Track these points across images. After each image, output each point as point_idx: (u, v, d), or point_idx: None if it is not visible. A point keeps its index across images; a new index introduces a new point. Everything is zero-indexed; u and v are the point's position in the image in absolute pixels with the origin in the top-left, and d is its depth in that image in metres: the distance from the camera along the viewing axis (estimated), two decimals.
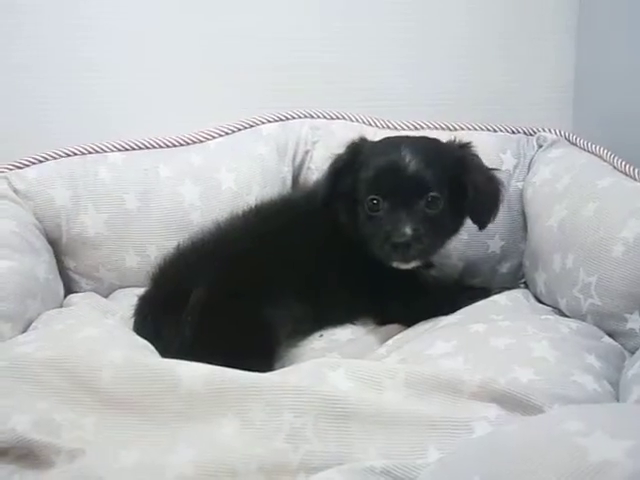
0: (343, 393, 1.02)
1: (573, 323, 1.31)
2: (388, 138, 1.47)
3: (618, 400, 1.13)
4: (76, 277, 1.61)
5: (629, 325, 1.27)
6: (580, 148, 1.59)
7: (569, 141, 1.63)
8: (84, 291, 1.61)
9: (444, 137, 1.52)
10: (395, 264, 1.35)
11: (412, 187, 1.34)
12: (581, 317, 1.35)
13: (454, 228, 1.44)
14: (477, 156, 1.42)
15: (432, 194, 1.33)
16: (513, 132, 1.70)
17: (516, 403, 1.03)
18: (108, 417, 1.03)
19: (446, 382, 1.06)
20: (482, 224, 1.43)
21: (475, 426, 0.99)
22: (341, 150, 1.45)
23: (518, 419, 1.00)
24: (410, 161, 1.33)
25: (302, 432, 0.98)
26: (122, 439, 1.01)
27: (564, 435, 0.75)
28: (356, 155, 1.41)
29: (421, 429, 0.99)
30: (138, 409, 1.04)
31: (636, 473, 0.67)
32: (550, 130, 1.67)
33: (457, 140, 1.44)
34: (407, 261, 1.34)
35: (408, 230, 1.29)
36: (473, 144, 1.43)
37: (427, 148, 1.39)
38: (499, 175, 1.45)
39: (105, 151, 1.63)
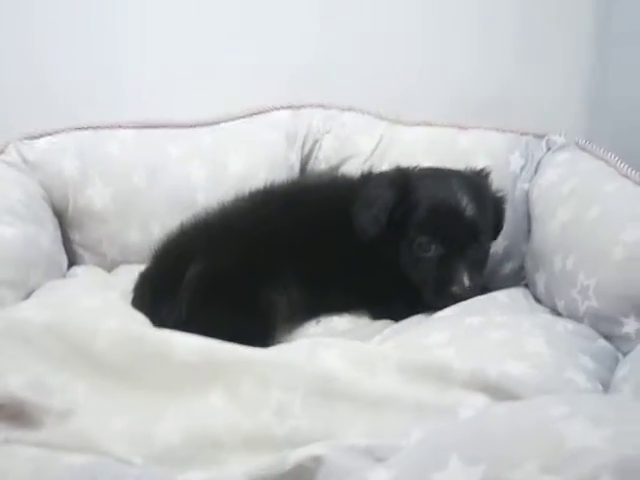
0: (334, 372, 1.02)
1: (569, 324, 1.31)
2: (433, 171, 1.46)
3: None
4: (80, 250, 1.63)
5: (625, 329, 1.26)
6: (589, 153, 1.58)
7: (578, 145, 1.62)
8: (87, 265, 1.62)
9: (455, 135, 1.64)
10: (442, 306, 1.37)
11: (468, 233, 1.36)
12: (578, 319, 1.35)
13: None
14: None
15: (482, 239, 1.38)
16: (522, 134, 1.69)
17: (506, 395, 1.02)
18: (101, 383, 1.04)
19: (437, 369, 1.05)
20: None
21: (461, 412, 0.98)
22: (382, 179, 1.45)
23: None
24: (466, 205, 1.35)
25: (289, 407, 0.98)
26: (113, 405, 1.01)
27: (547, 420, 0.75)
28: (405, 188, 1.39)
29: (407, 412, 0.99)
30: (130, 376, 1.04)
31: (613, 460, 0.67)
32: (559, 133, 1.66)
33: (473, 169, 1.49)
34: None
35: (467, 281, 1.33)
36: (489, 171, 1.49)
37: (474, 187, 1.40)
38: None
39: (116, 127, 1.65)
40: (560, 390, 1.07)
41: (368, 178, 1.49)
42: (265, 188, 1.53)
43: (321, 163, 1.72)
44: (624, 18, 1.78)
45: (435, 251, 1.35)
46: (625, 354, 1.26)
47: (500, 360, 1.12)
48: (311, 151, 1.75)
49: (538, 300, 1.52)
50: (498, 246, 1.61)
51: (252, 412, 0.98)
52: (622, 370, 1.17)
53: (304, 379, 1.00)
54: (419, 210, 1.37)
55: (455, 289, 1.33)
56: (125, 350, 1.05)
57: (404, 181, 1.40)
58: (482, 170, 1.48)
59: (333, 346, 1.09)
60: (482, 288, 1.54)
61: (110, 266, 1.63)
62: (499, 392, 1.03)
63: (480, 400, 1.02)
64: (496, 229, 1.48)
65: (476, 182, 1.44)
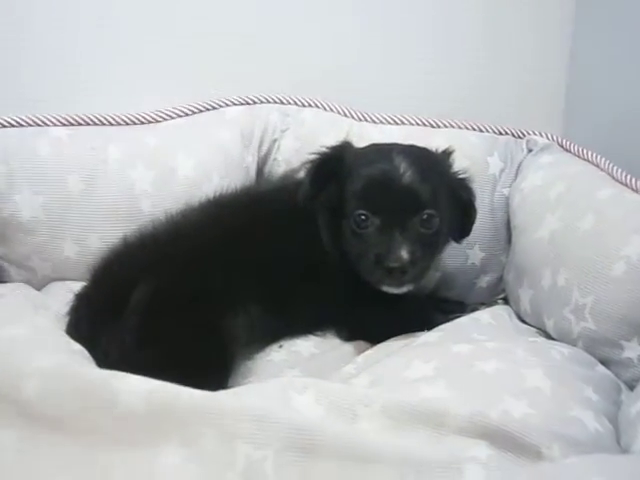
0: (311, 422, 0.87)
1: (564, 348, 1.19)
2: (376, 145, 1.35)
3: (619, 440, 1.01)
4: (6, 265, 1.46)
5: (625, 354, 1.17)
6: (574, 155, 1.48)
7: (562, 146, 1.53)
8: (14, 281, 1.46)
9: (428, 134, 1.51)
10: (386, 288, 1.23)
11: (407, 203, 1.22)
12: (571, 341, 1.25)
13: (444, 246, 1.34)
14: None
15: (428, 211, 1.23)
16: (500, 133, 1.59)
17: (509, 441, 0.91)
18: (33, 435, 0.87)
19: (430, 414, 0.92)
20: (461, 239, 1.39)
21: (466, 470, 0.84)
22: (322, 151, 1.32)
23: (524, 470, 0.86)
24: (404, 172, 1.22)
25: (261, 467, 0.82)
26: (50, 462, 0.86)
27: None
28: (341, 161, 1.29)
29: (402, 470, 0.84)
30: (68, 428, 0.87)
31: None
32: (540, 133, 1.56)
33: (437, 149, 1.34)
34: (400, 286, 1.23)
35: (404, 254, 1.19)
36: (453, 152, 1.34)
37: (421, 158, 1.27)
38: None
39: (47, 124, 1.47)
40: (569, 433, 0.95)
41: None
42: (217, 197, 1.40)
43: (280, 165, 1.59)
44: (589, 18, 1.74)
45: (372, 225, 1.23)
46: (626, 382, 1.18)
47: (498, 398, 0.99)
48: (269, 152, 1.60)
49: (521, 319, 1.42)
50: (475, 258, 1.52)
51: (216, 473, 0.83)
52: (636, 405, 1.06)
53: (277, 431, 0.84)
54: (353, 181, 1.26)
55: (389, 263, 1.18)
56: (60, 396, 0.89)
57: (340, 152, 1.31)
58: (445, 150, 1.34)
59: (307, 388, 0.95)
60: (459, 302, 1.50)
61: (41, 283, 1.47)
62: (502, 439, 0.92)
63: (482, 450, 0.90)
64: (466, 213, 1.35)
65: (429, 156, 1.32)
